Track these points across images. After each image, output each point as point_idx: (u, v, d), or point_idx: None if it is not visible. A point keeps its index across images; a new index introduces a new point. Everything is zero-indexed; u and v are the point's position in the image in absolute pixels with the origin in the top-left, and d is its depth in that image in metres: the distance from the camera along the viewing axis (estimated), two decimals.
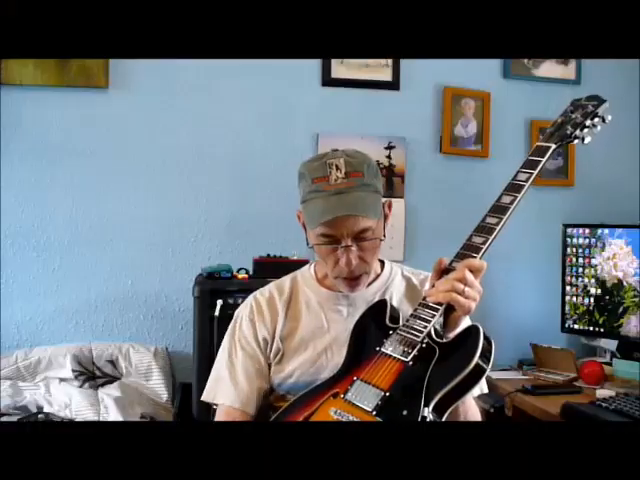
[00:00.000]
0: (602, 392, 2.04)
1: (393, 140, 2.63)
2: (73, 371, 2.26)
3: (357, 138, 2.59)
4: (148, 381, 2.32)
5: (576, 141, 1.29)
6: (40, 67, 2.36)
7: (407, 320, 1.20)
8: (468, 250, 1.19)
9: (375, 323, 1.26)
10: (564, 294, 2.54)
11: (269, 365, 1.36)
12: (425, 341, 1.15)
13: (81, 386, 2.25)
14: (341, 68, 2.59)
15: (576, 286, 2.51)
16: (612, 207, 2.72)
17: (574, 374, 2.27)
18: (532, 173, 1.25)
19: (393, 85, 2.63)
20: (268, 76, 2.53)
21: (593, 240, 2.47)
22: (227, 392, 1.33)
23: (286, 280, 1.43)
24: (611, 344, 2.47)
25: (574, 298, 2.51)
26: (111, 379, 2.30)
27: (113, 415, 2.07)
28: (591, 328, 2.46)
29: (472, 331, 1.14)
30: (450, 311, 1.17)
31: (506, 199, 1.25)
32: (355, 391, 1.15)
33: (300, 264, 1.49)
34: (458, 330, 1.17)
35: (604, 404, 1.86)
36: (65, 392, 2.18)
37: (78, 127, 2.44)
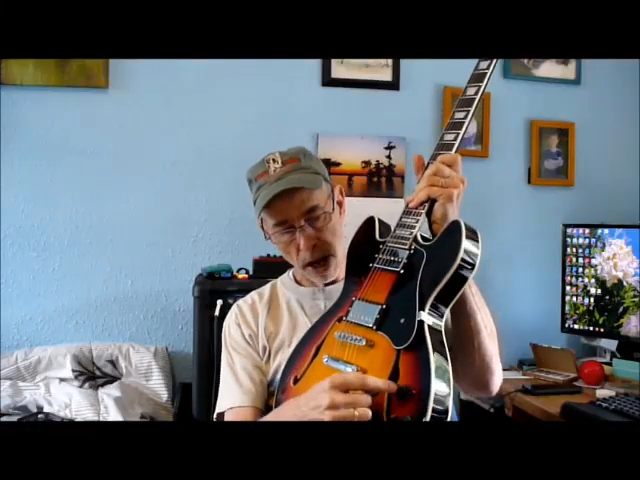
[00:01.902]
0: (602, 392, 2.04)
1: (393, 140, 2.63)
2: (73, 371, 2.26)
3: (357, 138, 2.59)
4: (148, 381, 2.32)
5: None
6: (40, 67, 2.36)
7: (394, 231, 1.20)
8: (441, 149, 1.20)
9: (366, 241, 1.26)
10: (564, 294, 2.54)
11: (263, 362, 1.39)
12: (413, 247, 1.15)
13: (81, 386, 2.25)
14: (341, 68, 2.59)
15: (576, 286, 2.51)
16: (612, 207, 2.72)
17: (574, 374, 2.27)
18: (492, 61, 1.24)
19: (393, 85, 2.63)
20: (268, 76, 2.53)
21: (593, 240, 2.47)
22: (234, 395, 1.35)
23: (266, 287, 1.49)
24: (611, 344, 2.47)
25: (574, 298, 2.51)
26: (111, 379, 2.30)
27: (113, 415, 2.07)
28: (591, 328, 2.46)
29: (453, 226, 1.12)
30: (435, 208, 1.15)
31: (471, 91, 1.23)
32: (355, 311, 1.16)
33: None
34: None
35: (604, 404, 1.86)
36: (65, 392, 2.18)
37: (78, 127, 2.44)
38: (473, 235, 1.11)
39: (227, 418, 1.35)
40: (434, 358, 1.03)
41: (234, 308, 1.46)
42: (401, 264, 1.15)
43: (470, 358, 1.22)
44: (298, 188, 1.29)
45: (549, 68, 2.73)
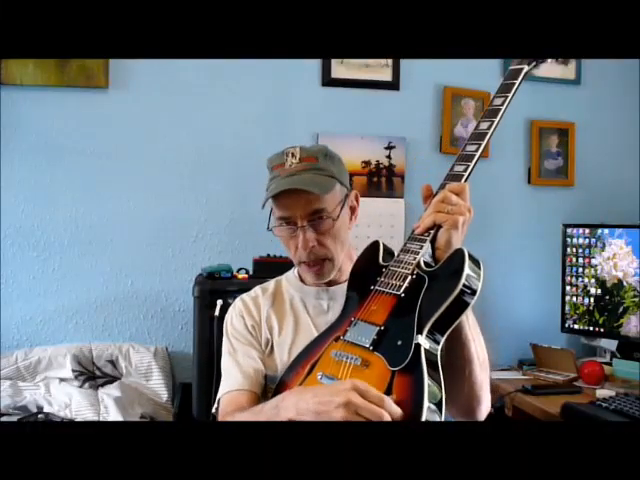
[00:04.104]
0: (602, 392, 2.04)
1: (393, 140, 2.63)
2: (73, 371, 2.26)
3: (357, 138, 2.59)
4: (148, 381, 2.32)
5: (549, 60, 1.30)
6: (40, 67, 2.36)
7: (397, 255, 1.21)
8: (450, 180, 1.22)
9: (369, 264, 1.28)
10: (564, 294, 2.54)
11: (264, 354, 1.39)
12: (415, 272, 1.16)
13: (81, 386, 2.25)
14: (341, 68, 2.59)
15: (576, 286, 2.51)
16: (612, 207, 2.72)
17: (574, 374, 2.27)
18: (507, 96, 1.27)
19: (393, 85, 2.63)
20: (268, 76, 2.53)
21: (593, 240, 2.47)
22: (233, 378, 1.35)
23: (271, 282, 1.49)
24: (611, 344, 2.47)
25: (574, 298, 2.51)
26: (111, 379, 2.30)
27: (113, 415, 2.07)
28: (591, 328, 2.46)
29: (457, 253, 1.13)
30: (439, 234, 1.16)
31: (484, 125, 1.25)
32: (353, 331, 1.18)
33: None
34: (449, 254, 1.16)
35: (604, 404, 1.86)
36: (65, 392, 2.18)
37: (78, 127, 2.43)
38: (476, 265, 1.12)
39: (224, 401, 1.34)
40: (428, 382, 1.03)
41: (237, 301, 1.46)
42: (402, 288, 1.16)
43: (460, 385, 1.22)
44: (305, 190, 1.29)
45: (549, 68, 2.73)
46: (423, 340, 1.08)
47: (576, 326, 2.51)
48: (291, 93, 2.57)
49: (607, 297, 2.41)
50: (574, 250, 2.52)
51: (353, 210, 1.42)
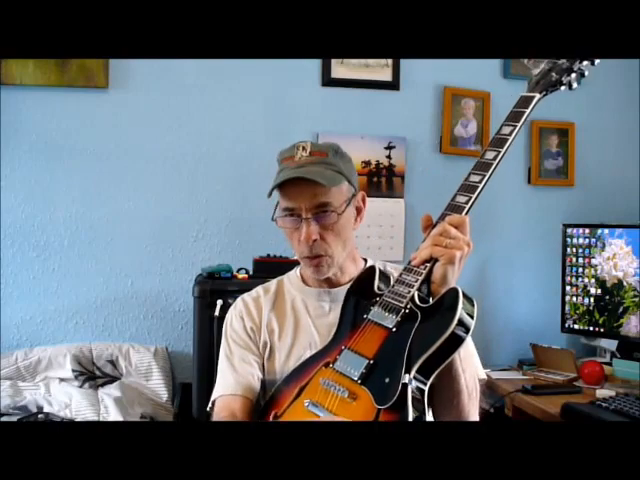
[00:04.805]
0: (602, 392, 2.04)
1: (393, 140, 2.63)
2: (73, 371, 2.26)
3: (357, 138, 2.59)
4: (148, 381, 2.32)
5: (562, 88, 1.26)
6: (40, 67, 2.36)
7: (392, 286, 1.20)
8: (451, 210, 1.19)
9: (364, 290, 1.27)
10: (564, 294, 2.54)
11: (263, 358, 1.39)
12: (408, 306, 1.15)
13: (81, 386, 2.25)
14: (341, 68, 2.59)
15: (576, 286, 2.51)
16: (612, 207, 2.72)
17: (574, 374, 2.27)
18: (516, 126, 1.23)
19: (393, 85, 2.63)
20: (268, 76, 2.54)
21: (593, 240, 2.47)
22: (227, 382, 1.35)
23: (273, 282, 1.48)
24: (611, 344, 2.47)
25: (574, 298, 2.51)
26: (111, 379, 2.30)
27: (113, 415, 2.07)
28: (591, 328, 2.46)
29: (451, 293, 1.11)
30: (436, 268, 1.14)
31: (489, 155, 1.22)
32: (343, 360, 1.17)
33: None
34: (444, 290, 1.14)
35: (604, 404, 1.86)
36: (65, 392, 2.18)
37: (78, 127, 2.44)
38: (470, 306, 1.11)
39: (217, 406, 1.35)
40: None
41: (238, 301, 1.45)
42: (394, 322, 1.15)
43: (446, 414, 1.21)
44: (312, 180, 1.28)
45: None
46: (411, 380, 1.07)
47: (576, 326, 2.51)
48: (291, 93, 2.57)
49: (607, 297, 2.41)
50: (574, 250, 2.52)
51: (359, 211, 1.40)
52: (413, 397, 1.06)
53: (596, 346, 2.60)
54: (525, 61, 2.76)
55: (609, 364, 2.36)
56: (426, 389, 1.10)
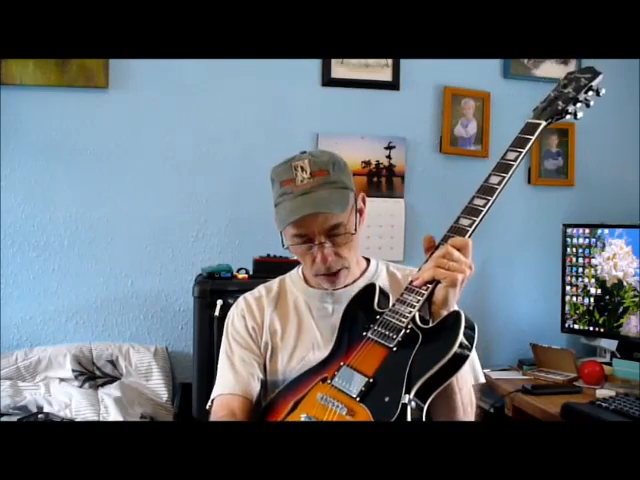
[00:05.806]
0: (602, 392, 2.04)
1: (393, 140, 2.63)
2: (73, 371, 2.26)
3: (357, 138, 2.59)
4: (148, 381, 2.32)
5: (568, 117, 1.28)
6: (40, 67, 2.36)
7: (393, 305, 1.20)
8: (455, 233, 1.19)
9: (364, 307, 1.27)
10: (564, 294, 2.54)
11: (264, 359, 1.38)
12: (409, 327, 1.15)
13: (81, 386, 2.25)
14: (341, 68, 2.59)
15: (576, 286, 2.51)
16: (612, 207, 2.72)
17: (574, 374, 2.27)
18: (521, 152, 1.24)
19: (393, 85, 2.63)
20: (268, 76, 2.53)
21: (593, 240, 2.47)
22: (226, 382, 1.35)
23: (275, 281, 1.47)
24: (611, 344, 2.47)
25: (574, 298, 2.51)
26: (111, 379, 2.30)
27: (113, 415, 2.07)
28: (591, 328, 2.46)
29: (453, 317, 1.12)
30: (437, 289, 1.15)
31: (494, 179, 1.24)
32: (341, 376, 1.17)
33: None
34: (445, 312, 1.15)
35: (604, 404, 1.86)
36: (65, 392, 2.18)
37: (78, 127, 2.43)
38: (471, 330, 1.12)
39: (216, 404, 1.34)
40: None
41: (240, 300, 1.45)
42: (395, 341, 1.15)
43: None
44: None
45: (549, 68, 2.73)
46: (410, 400, 1.08)
47: (576, 326, 2.51)
48: (291, 93, 2.57)
49: (607, 297, 2.41)
50: (574, 250, 2.52)
51: (361, 212, 1.39)
52: (412, 417, 1.06)
53: (596, 346, 2.60)
54: (525, 61, 2.76)
55: (609, 364, 2.36)
56: (424, 409, 1.10)
